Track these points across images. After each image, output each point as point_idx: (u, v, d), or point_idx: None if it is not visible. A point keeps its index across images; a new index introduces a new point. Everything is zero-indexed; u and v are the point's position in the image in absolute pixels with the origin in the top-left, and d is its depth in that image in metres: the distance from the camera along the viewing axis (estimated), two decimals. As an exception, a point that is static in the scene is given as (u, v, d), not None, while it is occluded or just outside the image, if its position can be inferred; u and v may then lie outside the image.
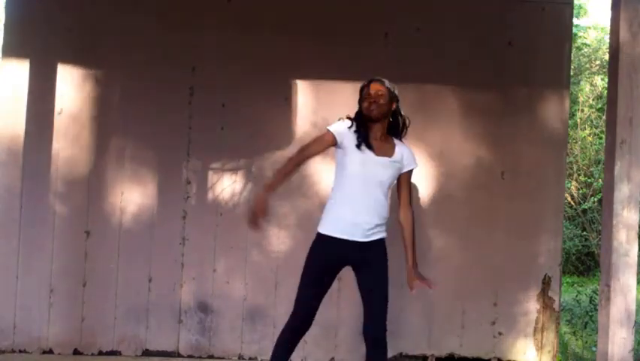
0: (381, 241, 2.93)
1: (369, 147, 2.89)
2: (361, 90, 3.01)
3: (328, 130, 2.91)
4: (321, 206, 3.99)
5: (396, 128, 3.03)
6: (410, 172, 3.02)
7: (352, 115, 3.00)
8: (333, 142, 2.89)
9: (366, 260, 2.87)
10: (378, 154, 2.89)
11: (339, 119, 2.99)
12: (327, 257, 2.89)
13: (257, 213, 2.77)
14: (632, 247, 2.72)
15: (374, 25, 4.13)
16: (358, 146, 2.87)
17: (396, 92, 3.02)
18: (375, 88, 2.94)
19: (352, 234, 2.85)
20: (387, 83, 2.99)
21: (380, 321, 2.81)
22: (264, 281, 4.06)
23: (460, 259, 4.09)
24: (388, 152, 2.94)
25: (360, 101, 2.99)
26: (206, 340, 4.06)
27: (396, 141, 3.02)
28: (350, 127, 2.92)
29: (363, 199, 2.86)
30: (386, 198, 2.95)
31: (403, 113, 3.06)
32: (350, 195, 2.87)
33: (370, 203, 2.87)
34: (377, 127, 2.95)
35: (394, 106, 3.00)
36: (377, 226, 2.90)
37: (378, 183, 2.89)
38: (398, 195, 3.04)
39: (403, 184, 3.01)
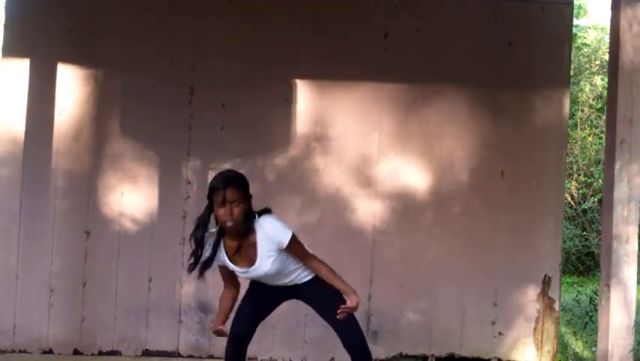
0: (309, 281, 2.76)
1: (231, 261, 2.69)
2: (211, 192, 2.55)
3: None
4: (319, 204, 4.00)
5: (250, 217, 2.59)
6: (289, 247, 2.61)
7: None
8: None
9: (306, 292, 2.79)
10: (242, 266, 2.69)
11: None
12: (263, 293, 2.84)
13: None
14: (632, 247, 2.72)
15: (374, 25, 4.13)
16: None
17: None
18: (230, 196, 2.51)
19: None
20: (237, 183, 2.56)
21: (349, 331, 2.75)
22: (264, 281, 4.05)
23: (460, 258, 4.09)
24: (251, 257, 2.64)
25: (213, 208, 2.58)
26: (206, 340, 4.05)
27: (256, 228, 2.60)
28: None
29: (272, 283, 2.78)
30: (296, 266, 2.72)
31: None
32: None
33: (282, 280, 2.75)
34: (230, 235, 2.64)
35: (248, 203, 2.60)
36: (296, 278, 2.75)
37: (271, 276, 2.70)
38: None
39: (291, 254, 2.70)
